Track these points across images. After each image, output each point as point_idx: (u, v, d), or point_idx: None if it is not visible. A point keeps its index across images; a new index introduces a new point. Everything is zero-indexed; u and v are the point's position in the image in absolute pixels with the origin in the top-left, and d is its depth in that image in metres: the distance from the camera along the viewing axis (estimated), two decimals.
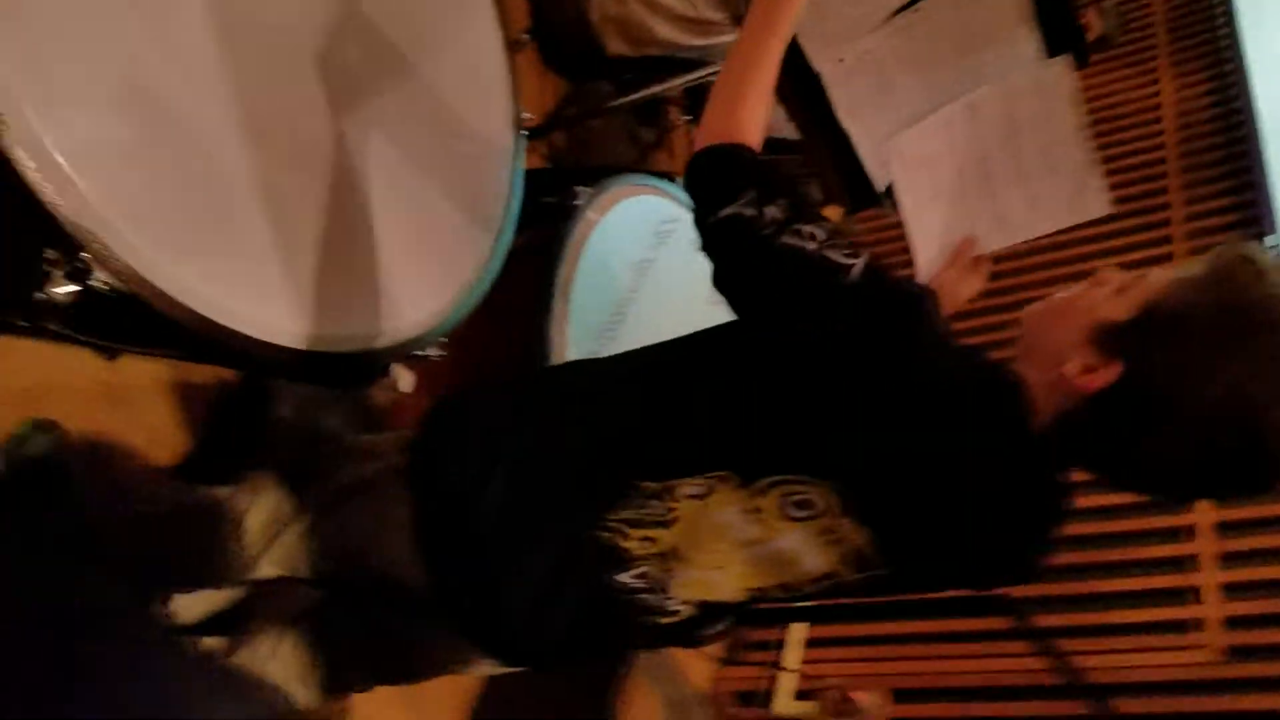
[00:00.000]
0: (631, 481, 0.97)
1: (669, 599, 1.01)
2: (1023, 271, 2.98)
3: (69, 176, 0.84)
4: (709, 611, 1.04)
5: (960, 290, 1.32)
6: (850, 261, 0.93)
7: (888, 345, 0.92)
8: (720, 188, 0.97)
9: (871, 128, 1.37)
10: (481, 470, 0.98)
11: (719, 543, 0.98)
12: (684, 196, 1.79)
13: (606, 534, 0.98)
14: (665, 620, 1.02)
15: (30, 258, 0.86)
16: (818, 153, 1.42)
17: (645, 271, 1.71)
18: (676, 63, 2.13)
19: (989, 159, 1.35)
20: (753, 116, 1.01)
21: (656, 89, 2.11)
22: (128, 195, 0.89)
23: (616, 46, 2.15)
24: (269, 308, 1.02)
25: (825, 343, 0.94)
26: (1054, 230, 1.37)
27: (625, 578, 0.98)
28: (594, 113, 2.23)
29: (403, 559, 0.98)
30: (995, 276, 1.39)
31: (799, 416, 0.95)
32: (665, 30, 2.11)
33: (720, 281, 0.98)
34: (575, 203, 1.59)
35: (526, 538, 0.98)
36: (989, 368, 0.98)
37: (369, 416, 1.52)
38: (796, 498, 0.95)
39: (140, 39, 0.93)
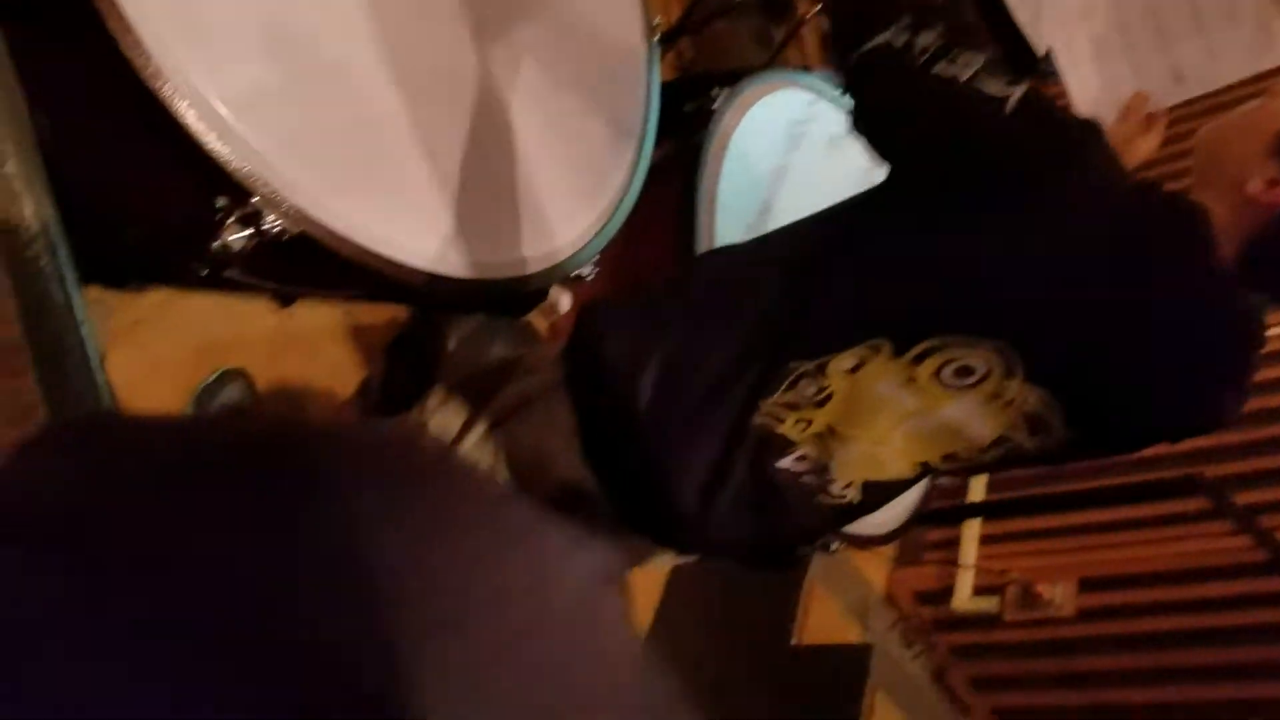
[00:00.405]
0: (783, 363, 0.95)
1: (832, 481, 0.99)
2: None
3: (230, 123, 0.86)
4: (877, 491, 1.02)
5: (1133, 150, 1.23)
6: (1008, 91, 0.87)
7: (1051, 179, 0.87)
8: (868, 17, 0.91)
9: None
10: (634, 366, 0.98)
11: (877, 417, 0.95)
12: (820, 88, 1.74)
13: (762, 420, 0.96)
14: (833, 502, 1.01)
15: (202, 209, 0.90)
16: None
17: (784, 174, 1.66)
18: None
19: (1160, 10, 1.25)
20: None
21: None
22: (286, 137, 0.91)
23: None
24: (428, 239, 1.04)
25: (977, 182, 0.88)
26: (1236, 81, 1.27)
27: (786, 463, 0.97)
28: (720, 12, 2.16)
29: (574, 463, 1.00)
30: (1173, 141, 1.29)
31: (951, 269, 0.90)
32: None
33: (863, 122, 0.93)
34: (711, 108, 1.56)
35: (685, 430, 0.97)
36: (1167, 197, 0.92)
37: (532, 342, 1.55)
38: (955, 365, 0.91)
39: None
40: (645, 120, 1.33)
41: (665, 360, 0.97)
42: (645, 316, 1.03)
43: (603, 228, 1.22)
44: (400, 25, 1.05)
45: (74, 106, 0.93)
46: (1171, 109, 1.25)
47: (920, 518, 1.83)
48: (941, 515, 2.69)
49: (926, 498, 1.79)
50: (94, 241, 0.81)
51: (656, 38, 1.38)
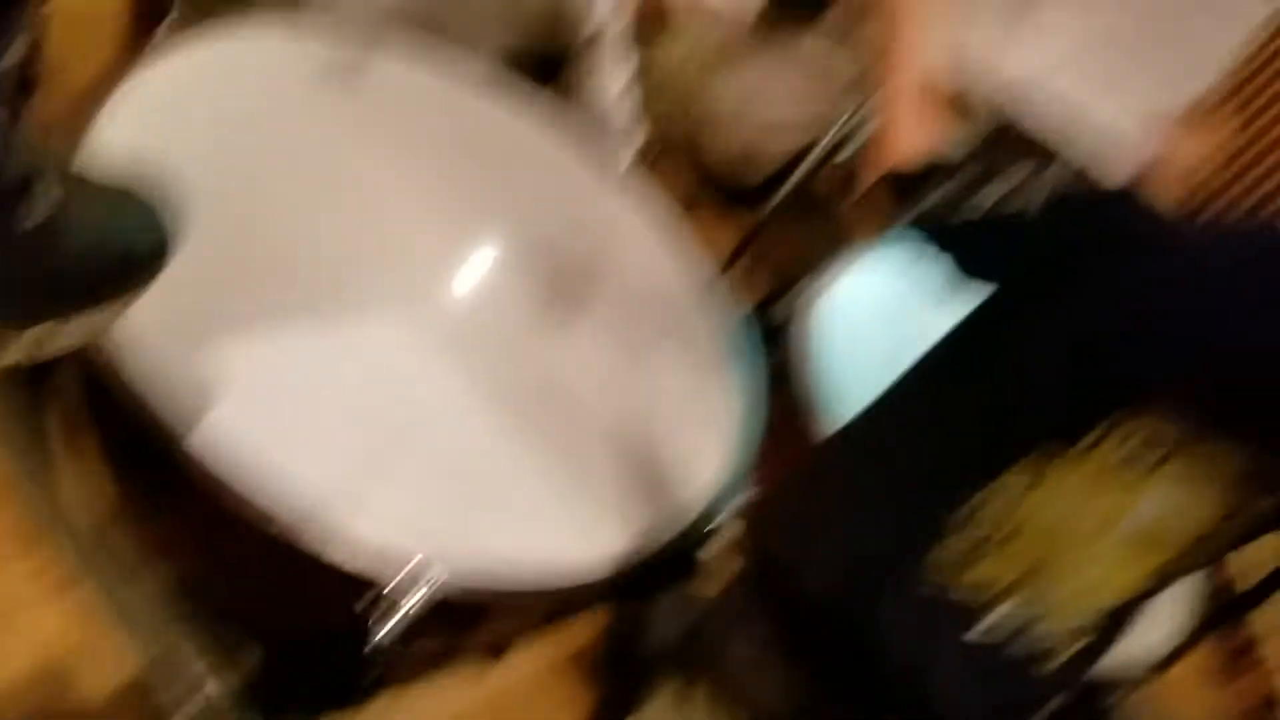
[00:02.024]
0: (941, 512, 0.88)
1: (1048, 633, 0.88)
2: None
3: (352, 528, 0.90)
4: (1111, 622, 0.90)
5: (1185, 154, 1.20)
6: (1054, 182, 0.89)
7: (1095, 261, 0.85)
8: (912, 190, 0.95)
9: None
10: (799, 562, 0.94)
11: (1078, 536, 0.86)
12: (897, 256, 1.75)
13: (933, 586, 0.88)
14: (1057, 664, 0.89)
15: (350, 618, 0.91)
16: None
17: (902, 351, 1.64)
18: None
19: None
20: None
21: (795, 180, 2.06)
22: (403, 515, 0.96)
23: (754, 178, 2.16)
24: (577, 541, 1.05)
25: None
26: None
27: (982, 629, 0.88)
28: (758, 232, 2.21)
29: (784, 677, 0.95)
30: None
31: (1083, 349, 0.86)
32: (785, 143, 2.10)
33: (964, 269, 0.95)
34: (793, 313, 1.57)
35: (870, 618, 0.91)
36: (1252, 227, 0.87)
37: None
38: (1134, 441, 0.83)
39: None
40: (731, 344, 1.35)
41: (828, 548, 0.94)
42: (806, 514, 1.01)
43: (735, 462, 1.21)
44: (470, 365, 1.13)
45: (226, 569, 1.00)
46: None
47: (1206, 624, 1.64)
48: (1225, 612, 2.38)
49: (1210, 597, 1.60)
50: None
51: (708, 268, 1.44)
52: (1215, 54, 1.21)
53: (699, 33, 2.13)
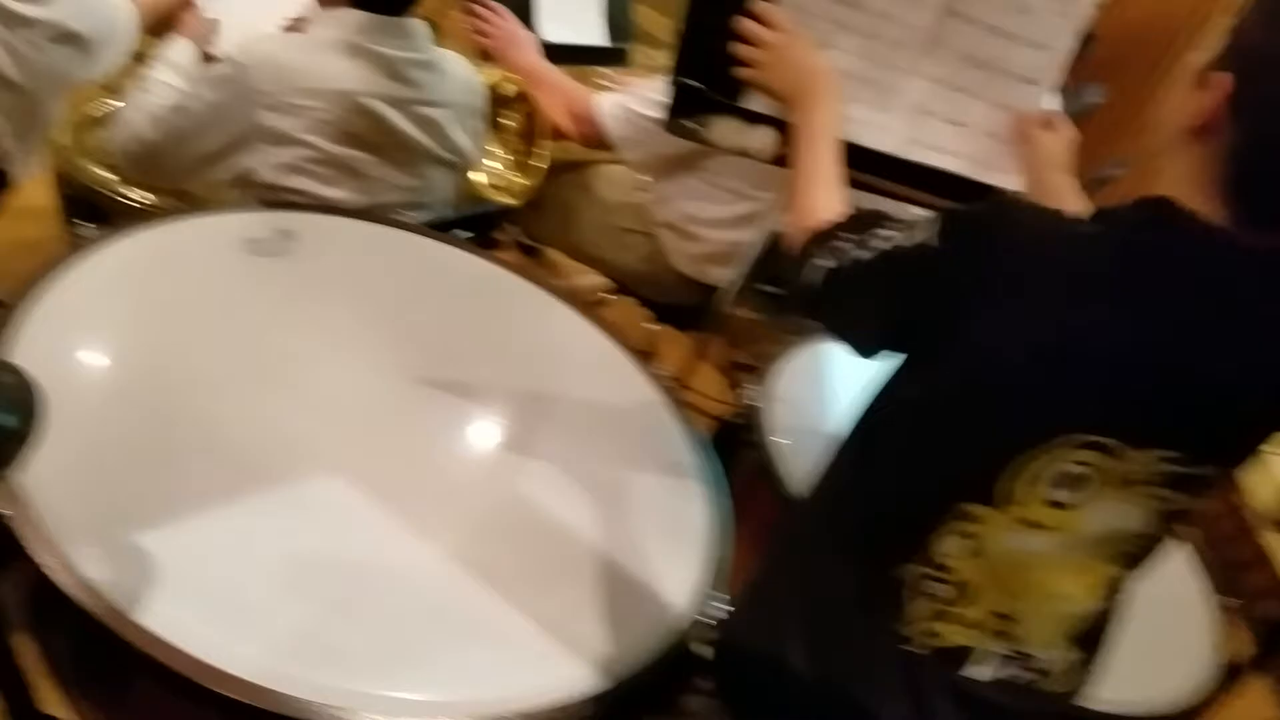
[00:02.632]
0: (894, 575, 0.89)
1: (1034, 658, 0.89)
2: None
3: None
4: (1086, 637, 0.92)
5: (1052, 159, 1.29)
6: (924, 231, 0.90)
7: (1000, 270, 0.85)
8: (805, 270, 0.99)
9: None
10: (773, 642, 0.91)
11: (1028, 576, 0.88)
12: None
13: (913, 643, 0.89)
14: (1054, 684, 0.90)
15: None
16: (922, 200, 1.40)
17: None
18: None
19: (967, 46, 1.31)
20: (826, 203, 1.08)
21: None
22: (372, 662, 0.93)
23: (719, 274, 2.18)
24: (559, 666, 1.01)
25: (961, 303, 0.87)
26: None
27: (971, 670, 0.88)
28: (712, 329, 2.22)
29: None
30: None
31: (973, 392, 0.87)
32: (731, 237, 2.13)
33: (850, 337, 0.98)
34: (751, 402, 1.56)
35: (858, 687, 0.89)
36: (1130, 206, 0.87)
37: None
38: (1053, 478, 0.84)
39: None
40: (698, 451, 1.33)
41: (799, 625, 0.92)
42: (765, 602, 0.99)
43: (712, 565, 1.18)
44: (427, 504, 1.11)
45: None
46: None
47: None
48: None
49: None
50: None
51: (665, 383, 1.43)
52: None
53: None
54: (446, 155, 1.69)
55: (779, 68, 1.21)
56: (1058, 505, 0.85)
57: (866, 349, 0.97)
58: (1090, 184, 3.44)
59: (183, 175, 1.61)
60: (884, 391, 0.97)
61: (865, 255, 0.93)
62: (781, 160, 1.28)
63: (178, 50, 1.71)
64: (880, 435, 0.95)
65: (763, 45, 1.22)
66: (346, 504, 1.07)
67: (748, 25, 1.22)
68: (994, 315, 0.83)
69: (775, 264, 2.20)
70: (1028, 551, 0.87)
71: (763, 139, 1.28)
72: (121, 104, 1.80)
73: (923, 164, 1.35)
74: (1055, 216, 0.88)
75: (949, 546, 0.88)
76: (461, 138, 1.70)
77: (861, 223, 0.97)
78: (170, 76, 1.66)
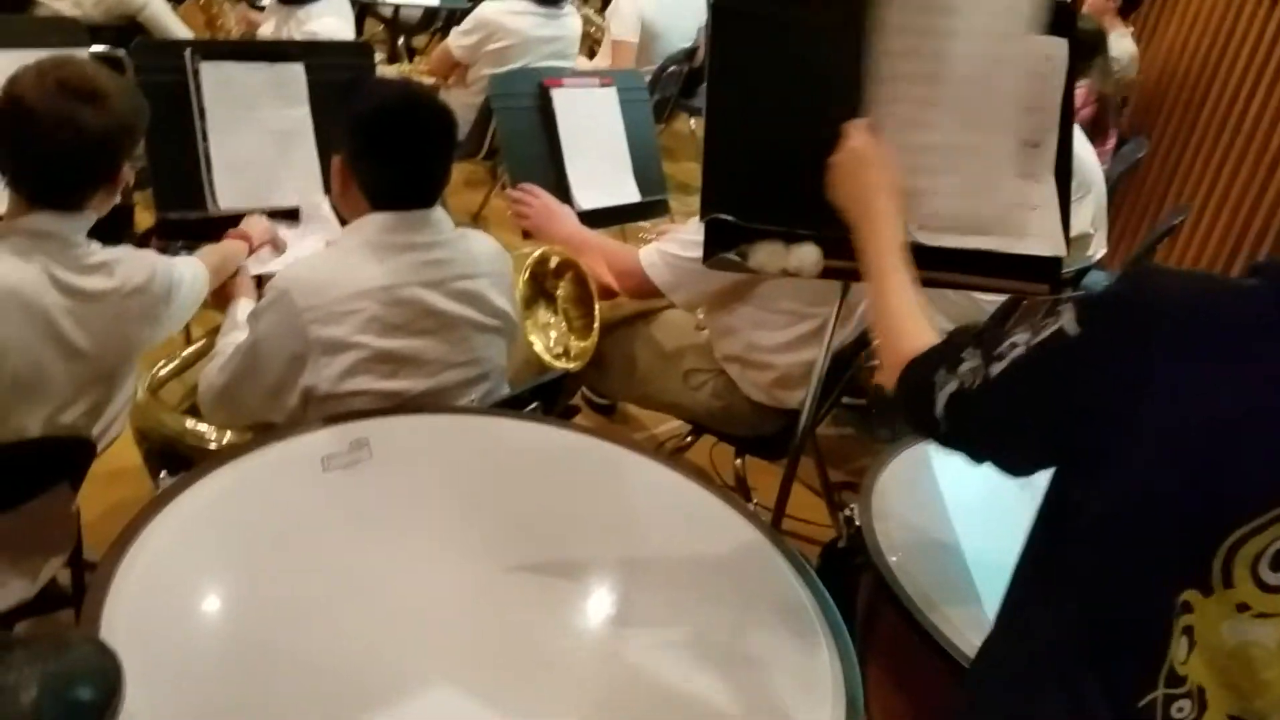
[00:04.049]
0: (1141, 701, 0.81)
1: None
2: None
3: None
4: None
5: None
6: (1056, 322, 0.84)
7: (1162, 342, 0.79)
8: (921, 399, 0.94)
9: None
10: None
11: (1257, 673, 0.78)
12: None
13: None
14: None
15: None
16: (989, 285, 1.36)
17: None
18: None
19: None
20: (913, 329, 1.04)
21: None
22: None
23: (794, 397, 2.14)
24: None
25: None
26: None
27: None
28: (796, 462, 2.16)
29: None
30: None
31: (1163, 475, 0.79)
32: (797, 359, 2.10)
33: (1000, 460, 0.92)
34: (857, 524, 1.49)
35: None
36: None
37: None
38: (1267, 558, 0.76)
39: None
40: (809, 585, 1.27)
41: None
42: None
43: (846, 704, 1.10)
44: (545, 697, 1.06)
45: None
46: None
47: None
48: None
49: None
50: None
51: (763, 520, 1.38)
52: None
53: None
54: (491, 321, 1.72)
55: (840, 181, 1.21)
56: (1270, 586, 0.76)
57: (1023, 467, 0.92)
58: (1156, 235, 3.35)
59: (258, 410, 1.65)
60: (1052, 515, 0.90)
61: (996, 368, 0.87)
62: (829, 273, 1.27)
63: (240, 309, 1.82)
64: (1072, 560, 0.86)
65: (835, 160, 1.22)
66: (461, 713, 1.03)
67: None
68: (1168, 390, 0.77)
69: (850, 376, 2.18)
70: (1252, 643, 0.77)
71: (806, 256, 1.27)
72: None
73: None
74: (1205, 277, 0.84)
75: (1178, 652, 0.79)
76: (501, 301, 1.73)
77: (973, 337, 0.92)
78: (237, 334, 1.73)
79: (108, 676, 0.80)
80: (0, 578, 1.53)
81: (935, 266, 1.27)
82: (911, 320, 1.06)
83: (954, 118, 1.28)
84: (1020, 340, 0.86)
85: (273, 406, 1.63)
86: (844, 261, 1.25)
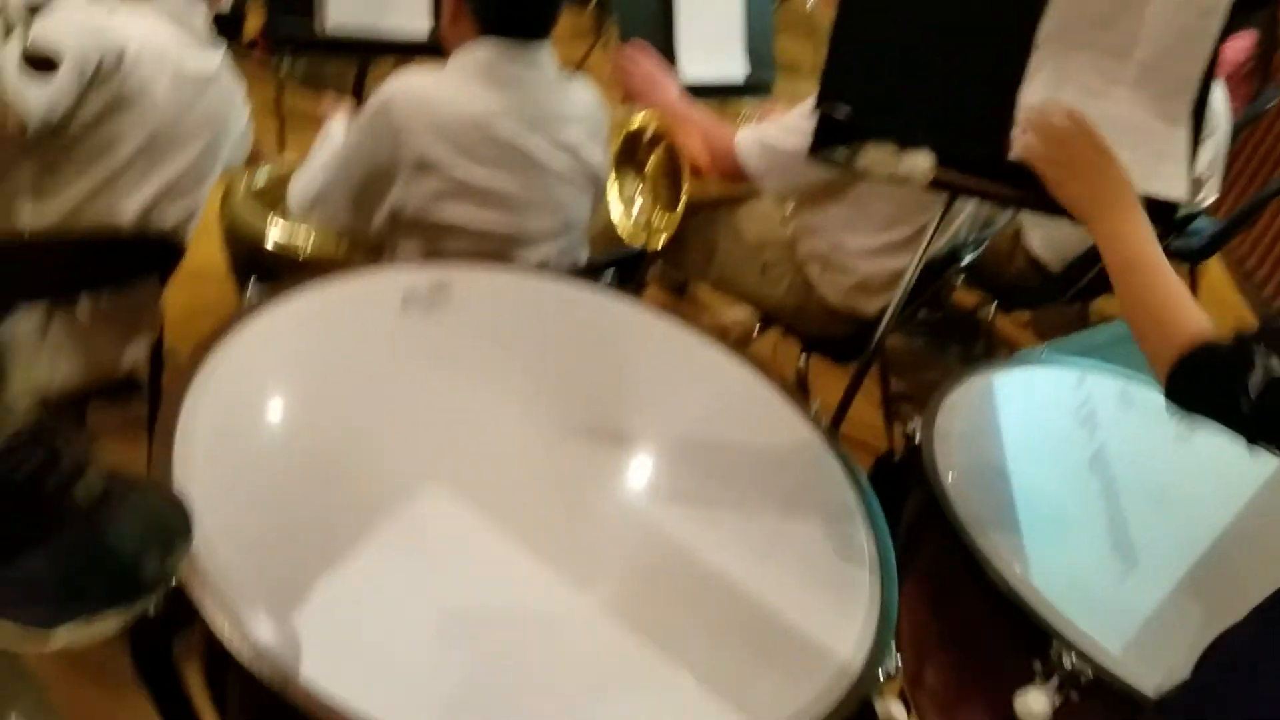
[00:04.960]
0: None
1: None
2: None
3: None
4: None
5: None
6: None
7: None
8: (1223, 380, 0.95)
9: None
10: None
11: None
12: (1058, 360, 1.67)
13: None
14: None
15: None
16: None
17: (1103, 458, 1.54)
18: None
19: None
20: (1190, 315, 1.03)
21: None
22: (554, 711, 0.92)
23: (871, 305, 2.12)
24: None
25: None
26: None
27: None
28: (864, 371, 2.14)
29: None
30: None
31: None
32: (882, 266, 2.06)
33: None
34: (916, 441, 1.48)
35: None
36: None
37: None
38: None
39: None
40: (859, 492, 1.28)
41: None
42: None
43: (880, 614, 1.12)
44: (590, 558, 1.09)
45: None
46: None
47: None
48: None
49: None
50: None
51: (820, 421, 1.38)
52: None
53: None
54: (581, 173, 1.71)
55: (1078, 172, 1.18)
56: None
57: None
58: (1270, 190, 3.19)
59: (345, 220, 1.68)
60: None
61: None
62: (938, 184, 1.22)
63: (336, 125, 1.85)
64: None
65: (1051, 139, 1.19)
66: (506, 558, 1.06)
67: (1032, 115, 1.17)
68: None
69: (934, 290, 2.14)
70: None
71: (918, 164, 1.23)
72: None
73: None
74: None
75: None
76: (594, 155, 1.72)
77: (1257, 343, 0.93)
78: (331, 144, 1.75)
79: (187, 529, 0.85)
80: (92, 355, 1.60)
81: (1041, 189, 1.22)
82: (1186, 308, 1.05)
83: (1132, 88, 1.21)
84: None
85: (360, 218, 1.65)
86: (955, 174, 1.20)
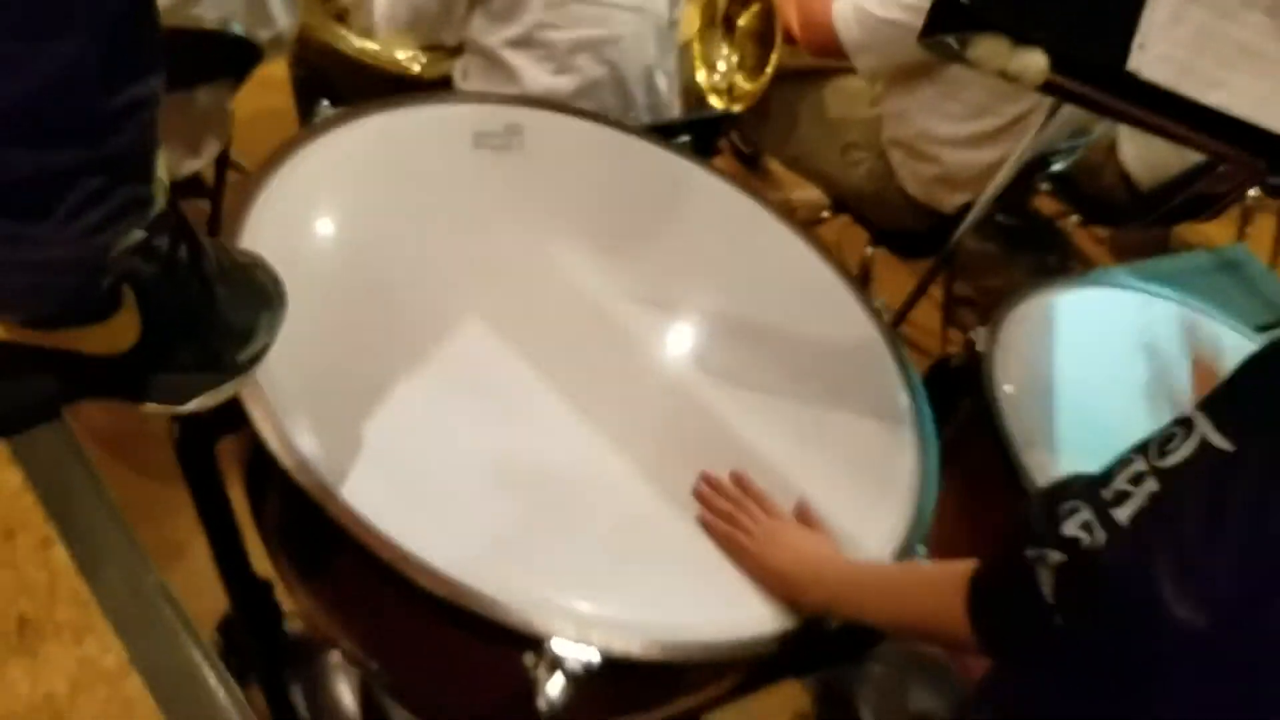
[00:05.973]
0: None
1: None
2: None
3: (499, 582, 0.87)
4: None
5: None
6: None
7: None
8: (1011, 600, 0.79)
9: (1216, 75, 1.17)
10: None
11: None
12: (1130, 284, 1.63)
13: None
14: None
15: (515, 677, 0.88)
16: (1202, 143, 1.22)
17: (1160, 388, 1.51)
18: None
19: None
20: (939, 571, 0.89)
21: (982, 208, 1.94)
22: (557, 570, 0.92)
23: (951, 200, 2.05)
24: (747, 605, 0.98)
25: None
26: None
27: None
28: (937, 272, 2.09)
29: None
30: None
31: None
32: (968, 158, 1.99)
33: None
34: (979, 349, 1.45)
35: None
36: None
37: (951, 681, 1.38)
38: None
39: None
40: (911, 394, 1.26)
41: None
42: None
43: (914, 521, 1.11)
44: (635, 422, 1.08)
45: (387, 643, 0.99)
46: None
47: None
48: None
49: None
50: None
51: (886, 319, 1.35)
52: None
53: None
54: (666, 20, 1.73)
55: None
56: None
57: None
58: None
59: (428, 19, 1.66)
60: None
61: (1123, 512, 0.71)
62: (1049, 87, 1.15)
63: None
64: None
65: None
66: (551, 410, 1.06)
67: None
68: None
69: (1017, 194, 2.05)
70: None
71: (1031, 64, 1.15)
72: None
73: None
74: None
75: None
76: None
77: (1043, 507, 0.77)
78: None
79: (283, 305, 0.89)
80: (168, 151, 1.61)
81: (1164, 112, 1.15)
82: (924, 569, 0.93)
83: (1267, 14, 1.11)
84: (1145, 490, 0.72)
85: (445, 20, 1.62)
86: (1069, 80, 1.13)
